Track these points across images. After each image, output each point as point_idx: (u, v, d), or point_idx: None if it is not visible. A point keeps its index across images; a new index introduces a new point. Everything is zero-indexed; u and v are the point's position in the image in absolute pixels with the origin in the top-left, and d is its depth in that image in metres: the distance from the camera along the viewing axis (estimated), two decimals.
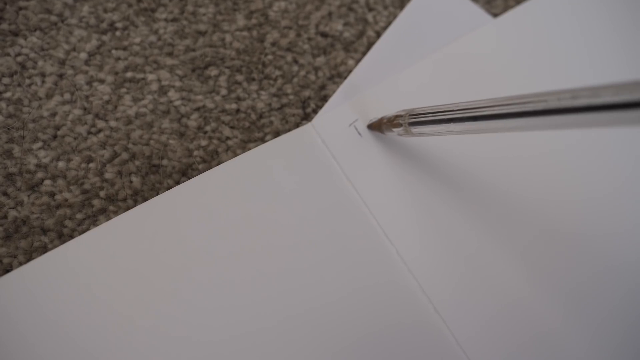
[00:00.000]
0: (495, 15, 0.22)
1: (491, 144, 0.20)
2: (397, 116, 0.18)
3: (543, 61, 0.22)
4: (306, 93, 0.20)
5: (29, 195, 0.17)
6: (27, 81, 0.19)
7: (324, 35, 0.21)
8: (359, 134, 0.19)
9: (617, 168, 0.21)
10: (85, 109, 0.19)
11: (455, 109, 0.15)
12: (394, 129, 0.18)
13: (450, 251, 0.19)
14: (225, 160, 0.19)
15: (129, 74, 0.19)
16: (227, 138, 0.19)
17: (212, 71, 0.20)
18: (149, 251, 0.17)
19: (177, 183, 0.18)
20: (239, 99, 0.20)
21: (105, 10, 0.20)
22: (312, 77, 0.20)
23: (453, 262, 0.19)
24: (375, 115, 0.19)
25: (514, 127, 0.13)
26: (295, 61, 0.20)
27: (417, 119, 0.16)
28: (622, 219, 0.20)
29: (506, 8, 0.23)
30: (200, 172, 0.19)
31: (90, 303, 0.16)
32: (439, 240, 0.19)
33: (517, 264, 0.19)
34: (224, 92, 0.20)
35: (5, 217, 0.17)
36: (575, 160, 0.21)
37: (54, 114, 0.19)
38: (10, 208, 0.17)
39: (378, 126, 0.19)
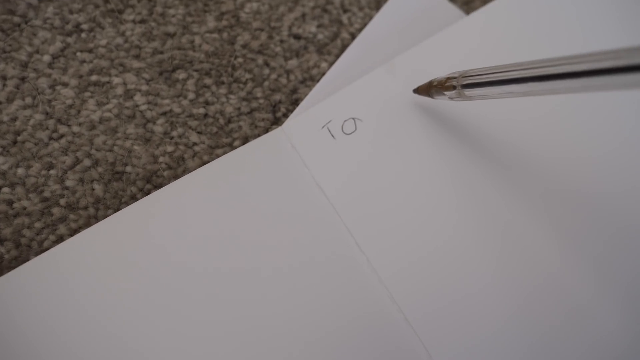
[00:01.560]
0: None
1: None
2: (449, 78, 0.17)
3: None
4: (277, 97, 0.20)
5: None
6: None
7: (297, 37, 0.21)
8: (332, 136, 0.19)
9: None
10: (47, 113, 0.18)
11: (517, 68, 0.13)
12: (446, 92, 0.17)
13: (425, 259, 0.18)
14: (192, 167, 0.18)
15: (93, 77, 0.19)
16: (194, 144, 0.19)
17: (180, 74, 0.19)
18: (114, 264, 0.16)
19: (141, 190, 0.18)
20: (207, 103, 0.19)
21: (71, 12, 0.20)
22: (284, 80, 0.20)
23: (430, 270, 0.18)
24: (348, 116, 0.19)
25: (588, 87, 0.11)
26: (267, 64, 0.20)
27: (472, 80, 0.15)
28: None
29: None
30: (165, 179, 0.18)
31: (51, 324, 0.15)
32: (413, 245, 0.18)
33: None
34: (191, 96, 0.19)
35: None
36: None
37: (14, 119, 0.18)
38: None
39: (426, 90, 0.18)
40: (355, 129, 0.19)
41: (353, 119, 0.19)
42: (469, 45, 0.21)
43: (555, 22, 0.22)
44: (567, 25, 0.22)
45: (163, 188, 0.18)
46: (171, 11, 0.20)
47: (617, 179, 0.20)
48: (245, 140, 0.19)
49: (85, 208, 0.17)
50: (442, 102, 0.19)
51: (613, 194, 0.19)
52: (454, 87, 0.16)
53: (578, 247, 0.19)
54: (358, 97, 0.19)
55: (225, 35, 0.20)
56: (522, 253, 0.18)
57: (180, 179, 0.18)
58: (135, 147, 0.18)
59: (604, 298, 0.18)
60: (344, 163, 0.18)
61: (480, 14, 0.22)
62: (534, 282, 0.18)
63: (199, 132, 0.19)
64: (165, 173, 0.18)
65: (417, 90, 0.19)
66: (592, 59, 0.11)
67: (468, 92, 0.16)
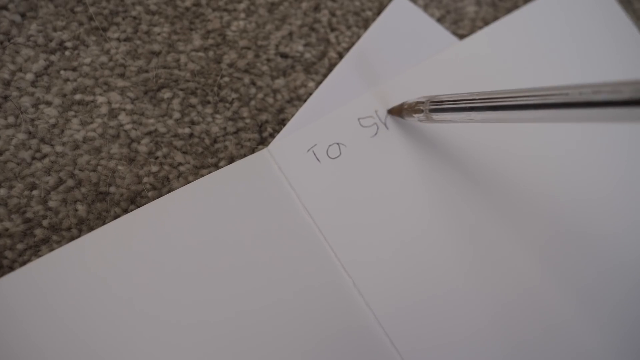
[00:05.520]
0: (461, 36, 0.23)
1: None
2: (418, 102, 0.18)
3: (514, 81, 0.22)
4: (263, 117, 0.20)
5: None
6: None
7: (284, 56, 0.21)
8: (318, 159, 0.20)
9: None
10: (30, 133, 0.19)
11: (477, 97, 0.15)
12: (415, 115, 0.18)
13: (411, 280, 0.19)
14: (177, 187, 0.19)
15: (77, 96, 0.19)
16: (179, 164, 0.19)
17: (165, 93, 0.20)
18: (94, 280, 0.17)
19: (125, 211, 0.18)
20: (192, 122, 0.20)
21: (55, 29, 0.20)
22: (270, 100, 0.21)
23: (414, 295, 0.19)
24: (332, 141, 0.20)
25: (534, 118, 0.13)
26: (253, 83, 0.21)
27: (438, 106, 0.17)
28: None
29: (473, 29, 0.23)
30: (149, 199, 0.19)
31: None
32: (397, 266, 0.19)
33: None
34: (177, 115, 0.20)
35: None
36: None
37: None
38: None
39: (399, 111, 0.20)
40: (340, 153, 0.20)
41: (338, 144, 0.20)
42: (460, 69, 0.22)
43: (548, 51, 0.23)
44: (559, 52, 0.23)
45: (146, 205, 0.18)
46: (156, 29, 0.21)
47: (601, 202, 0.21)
48: (231, 160, 0.20)
49: (69, 229, 0.18)
50: (426, 125, 0.21)
51: (607, 228, 0.21)
52: (422, 111, 0.18)
53: (561, 270, 0.20)
54: (342, 123, 0.20)
55: (211, 54, 0.21)
56: (500, 267, 0.20)
57: (163, 196, 0.18)
58: (120, 167, 0.19)
59: (584, 321, 0.20)
60: (329, 186, 0.19)
61: (474, 39, 0.22)
62: (512, 294, 0.20)
63: (184, 152, 0.19)
64: (150, 194, 0.19)
65: (391, 111, 0.20)
66: (539, 93, 0.13)
67: (435, 116, 0.17)
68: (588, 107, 0.11)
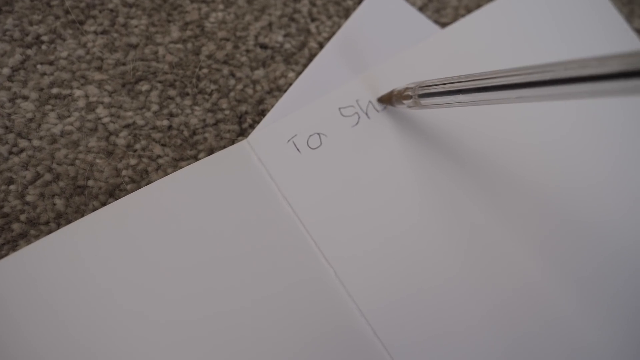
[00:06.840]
0: (443, 25, 0.23)
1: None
2: (407, 88, 0.18)
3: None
4: (243, 108, 0.20)
5: None
6: None
7: (264, 46, 0.21)
8: (298, 150, 0.20)
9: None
10: (6, 127, 0.19)
11: (464, 80, 0.15)
12: (404, 101, 0.19)
13: (393, 269, 0.19)
14: (156, 180, 0.19)
15: (54, 90, 0.19)
16: (158, 156, 0.19)
17: (144, 86, 0.20)
18: (73, 273, 0.17)
19: (104, 205, 0.18)
20: (171, 115, 0.20)
21: (31, 23, 0.20)
22: (250, 91, 0.21)
23: (398, 280, 0.19)
24: (312, 131, 0.20)
25: (521, 97, 0.13)
26: (232, 74, 0.21)
27: (426, 91, 0.17)
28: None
29: (456, 17, 0.23)
30: (128, 192, 0.19)
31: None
32: (380, 255, 0.19)
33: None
34: (155, 108, 0.20)
35: None
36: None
37: None
38: None
39: (388, 99, 0.20)
40: (321, 143, 0.20)
41: (318, 134, 0.20)
42: (442, 58, 0.22)
43: (531, 38, 0.23)
44: (542, 40, 0.23)
45: (124, 197, 0.18)
46: (134, 22, 0.21)
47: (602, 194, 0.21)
48: (211, 152, 0.20)
49: (47, 223, 0.18)
50: (409, 113, 0.21)
51: (603, 215, 0.21)
52: (411, 97, 0.18)
53: (563, 263, 0.21)
54: (323, 113, 0.20)
55: (189, 45, 0.21)
56: (500, 260, 0.20)
57: (142, 189, 0.18)
58: (98, 160, 0.19)
59: (586, 314, 0.20)
60: (310, 177, 0.19)
61: (456, 28, 0.23)
62: (512, 287, 0.20)
63: (162, 145, 0.19)
64: (129, 186, 0.19)
65: (381, 99, 0.21)
66: (524, 72, 0.13)
67: (424, 101, 0.17)
68: (575, 83, 0.11)
